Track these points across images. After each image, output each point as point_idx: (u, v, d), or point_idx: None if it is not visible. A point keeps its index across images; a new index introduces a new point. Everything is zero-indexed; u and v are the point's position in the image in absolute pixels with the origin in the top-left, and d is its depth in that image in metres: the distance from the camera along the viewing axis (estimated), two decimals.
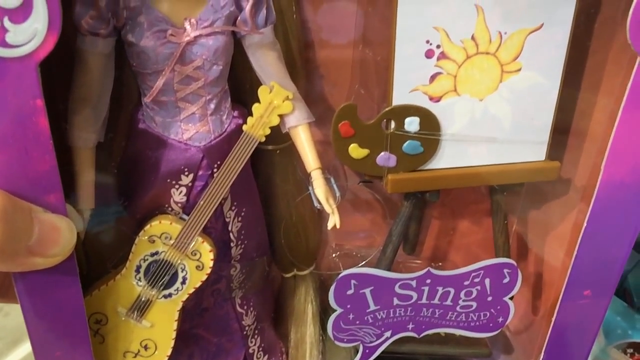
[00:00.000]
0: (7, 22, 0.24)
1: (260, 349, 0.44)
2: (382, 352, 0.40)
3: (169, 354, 0.37)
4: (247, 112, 0.35)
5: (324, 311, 0.47)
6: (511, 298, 0.38)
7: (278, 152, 0.40)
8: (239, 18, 0.33)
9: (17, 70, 0.25)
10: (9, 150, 0.26)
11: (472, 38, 0.33)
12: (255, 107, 0.34)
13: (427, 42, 0.33)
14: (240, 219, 0.38)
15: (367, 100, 0.39)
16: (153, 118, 0.33)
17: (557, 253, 0.42)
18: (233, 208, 0.37)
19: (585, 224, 0.34)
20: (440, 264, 0.49)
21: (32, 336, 0.32)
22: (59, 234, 0.29)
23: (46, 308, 0.31)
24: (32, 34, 0.24)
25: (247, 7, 0.32)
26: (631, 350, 0.75)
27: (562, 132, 0.39)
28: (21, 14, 0.24)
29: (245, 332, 0.43)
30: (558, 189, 0.41)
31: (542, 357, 0.39)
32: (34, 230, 0.27)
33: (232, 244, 0.38)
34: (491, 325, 0.39)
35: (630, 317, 0.74)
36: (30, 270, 0.29)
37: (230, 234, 0.38)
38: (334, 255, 0.47)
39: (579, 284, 0.36)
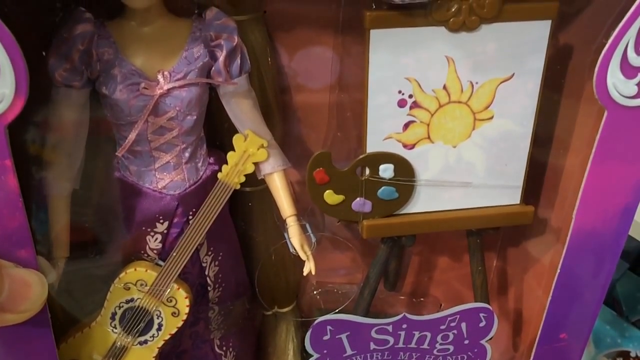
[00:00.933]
0: None
1: None
2: None
3: None
4: (224, 157, 0.35)
5: (305, 349, 0.47)
6: (488, 341, 0.39)
7: (256, 193, 0.40)
8: (213, 68, 0.33)
9: None
10: None
11: (444, 88, 0.33)
12: (230, 156, 0.34)
13: (400, 92, 0.33)
14: (217, 263, 0.38)
15: (344, 142, 0.40)
16: (128, 167, 0.34)
17: (536, 291, 0.42)
18: (209, 253, 0.37)
19: (559, 270, 0.34)
20: (422, 299, 0.49)
21: None
22: (29, 289, 0.29)
23: (19, 358, 0.32)
24: (0, 98, 0.25)
25: (221, 58, 0.33)
26: (621, 359, 0.75)
27: (538, 175, 0.39)
28: None
29: None
30: (535, 229, 0.41)
31: None
32: (4, 286, 0.28)
33: (209, 288, 0.38)
34: None
35: (620, 325, 0.74)
36: (1, 326, 0.29)
37: (207, 279, 0.38)
38: (314, 292, 0.47)
39: (555, 327, 0.37)
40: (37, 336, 0.31)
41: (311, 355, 0.40)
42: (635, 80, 0.29)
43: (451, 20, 0.31)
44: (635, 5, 0.28)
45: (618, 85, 0.29)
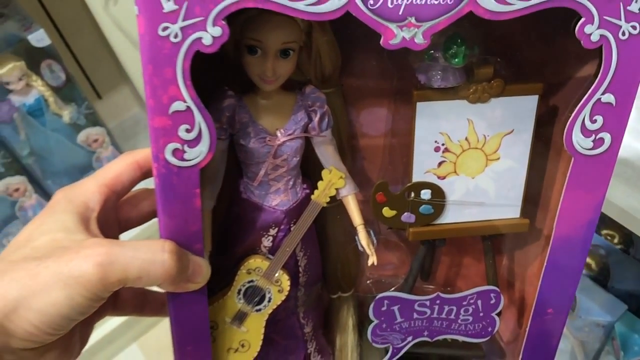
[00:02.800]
0: (185, 147, 0.40)
1: (316, 350, 0.60)
2: (405, 353, 0.56)
3: (258, 350, 0.53)
4: (312, 183, 0.51)
5: (360, 323, 0.62)
6: (498, 314, 0.54)
7: (331, 208, 0.56)
8: (310, 125, 0.49)
9: (187, 174, 0.41)
10: (177, 219, 0.43)
11: (466, 139, 0.49)
12: (320, 184, 0.50)
13: (435, 141, 0.48)
14: (306, 257, 0.54)
15: (393, 172, 0.55)
16: (253, 191, 0.50)
17: (534, 282, 0.56)
18: (302, 250, 0.53)
19: (545, 264, 0.49)
20: (448, 288, 0.64)
21: (175, 334, 0.48)
22: (202, 269, 0.45)
23: (186, 315, 0.47)
24: (199, 153, 0.41)
25: (316, 119, 0.48)
26: None
27: (535, 197, 0.54)
28: (194, 142, 0.40)
29: (305, 338, 0.58)
30: (533, 236, 0.55)
31: (520, 357, 0.55)
32: (190, 266, 0.44)
33: (299, 275, 0.54)
34: (483, 333, 0.54)
35: None
36: (184, 291, 0.45)
37: (299, 268, 0.53)
38: (368, 282, 0.62)
39: (544, 305, 0.51)
40: (198, 301, 0.47)
41: (365, 328, 0.56)
42: (591, 139, 0.43)
43: (470, 96, 0.47)
44: (590, 91, 0.43)
45: (580, 141, 0.44)
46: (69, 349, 0.45)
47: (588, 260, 0.94)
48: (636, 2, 0.39)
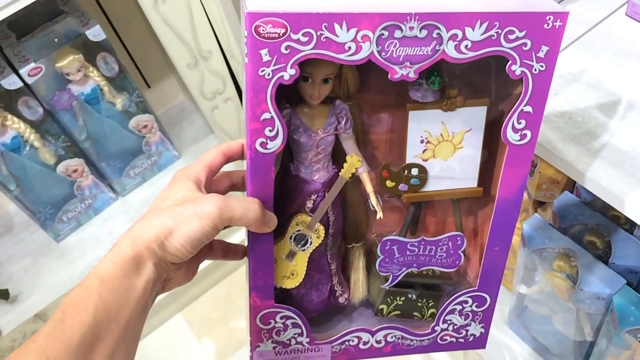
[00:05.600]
0: (268, 141, 0.65)
1: (338, 283, 0.84)
2: (399, 282, 0.81)
3: (302, 278, 0.77)
4: (339, 165, 0.76)
5: (368, 264, 0.87)
6: (462, 252, 0.80)
7: (350, 183, 0.81)
8: (338, 126, 0.74)
9: (267, 158, 0.65)
10: (259, 186, 0.67)
11: (441, 135, 0.74)
12: (344, 165, 0.74)
13: (421, 136, 0.74)
14: (334, 215, 0.78)
15: (393, 156, 0.81)
16: (300, 169, 0.75)
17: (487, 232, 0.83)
18: (331, 210, 0.78)
19: (492, 217, 0.75)
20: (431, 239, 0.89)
21: (251, 263, 0.72)
22: (273, 218, 0.70)
23: (260, 249, 0.71)
24: (276, 144, 0.65)
25: (342, 122, 0.73)
26: None
27: (487, 173, 0.80)
28: (274, 138, 0.65)
29: (331, 273, 0.82)
30: (487, 199, 0.80)
31: (478, 282, 0.81)
32: (266, 215, 0.69)
33: (330, 227, 0.79)
34: (453, 265, 0.78)
35: None
36: (261, 232, 0.70)
37: (330, 222, 0.78)
38: (373, 236, 0.86)
39: (493, 244, 0.76)
40: (268, 241, 0.72)
41: (372, 268, 0.81)
42: (518, 134, 0.69)
43: (443, 107, 0.72)
44: (517, 104, 0.68)
45: (511, 136, 0.69)
46: (188, 272, 0.71)
47: (593, 238, 1.00)
48: (542, 51, 0.65)
